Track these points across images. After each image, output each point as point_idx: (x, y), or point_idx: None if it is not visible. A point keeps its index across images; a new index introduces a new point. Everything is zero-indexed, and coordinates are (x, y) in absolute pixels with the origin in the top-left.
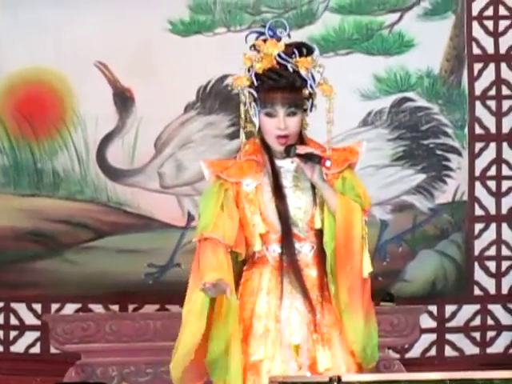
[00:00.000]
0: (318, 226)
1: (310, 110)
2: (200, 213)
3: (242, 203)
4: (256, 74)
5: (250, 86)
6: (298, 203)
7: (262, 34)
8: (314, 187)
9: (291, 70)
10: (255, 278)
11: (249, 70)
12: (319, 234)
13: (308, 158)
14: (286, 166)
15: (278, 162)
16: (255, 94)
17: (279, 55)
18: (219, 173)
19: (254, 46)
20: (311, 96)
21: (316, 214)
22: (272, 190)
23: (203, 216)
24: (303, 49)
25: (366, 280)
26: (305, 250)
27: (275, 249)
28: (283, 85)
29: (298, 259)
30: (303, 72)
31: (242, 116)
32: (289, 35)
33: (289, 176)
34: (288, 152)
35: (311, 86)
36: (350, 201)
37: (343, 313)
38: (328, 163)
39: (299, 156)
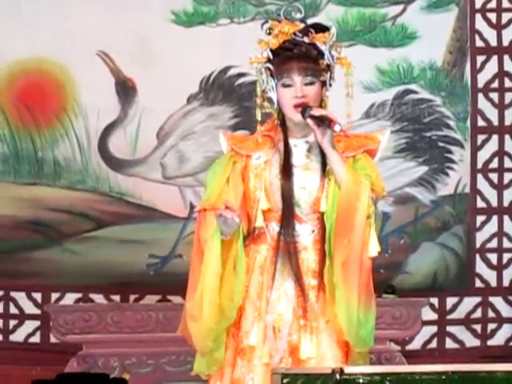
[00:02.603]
0: (322, 209)
1: (330, 85)
2: (206, 184)
3: (248, 177)
4: (271, 50)
5: (266, 63)
6: (304, 183)
7: (277, 21)
8: (324, 170)
9: (307, 41)
10: (252, 255)
11: None
12: (323, 218)
13: (321, 121)
14: (300, 145)
15: (292, 141)
16: (272, 68)
17: (295, 33)
18: (233, 145)
19: (269, 30)
20: (329, 69)
21: (322, 198)
22: (280, 167)
23: (208, 188)
24: (319, 28)
25: (367, 260)
26: (304, 233)
27: (274, 227)
28: (298, 54)
29: (295, 241)
30: (319, 44)
31: (259, 94)
32: (304, 18)
33: (300, 155)
34: (303, 113)
35: (328, 58)
36: (360, 175)
37: (336, 288)
38: (337, 127)
39: (313, 118)
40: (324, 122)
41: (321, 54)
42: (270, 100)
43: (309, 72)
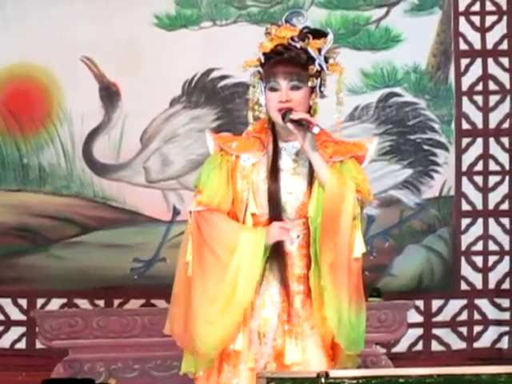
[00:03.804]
0: (309, 214)
1: (320, 91)
2: (202, 182)
3: (236, 177)
4: (264, 54)
5: (257, 66)
6: (291, 188)
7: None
8: (312, 175)
9: (299, 47)
10: None
11: None
12: (308, 223)
13: (301, 124)
14: (288, 148)
15: (281, 144)
16: (262, 72)
17: (292, 38)
18: (222, 144)
19: (267, 33)
20: (320, 75)
21: (309, 203)
22: (268, 170)
23: (207, 187)
24: (317, 34)
25: (355, 262)
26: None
27: None
28: (286, 58)
29: (281, 245)
30: (311, 50)
31: (251, 97)
32: (308, 27)
33: (288, 159)
34: (284, 117)
35: (320, 65)
36: (344, 176)
37: (325, 291)
38: (316, 129)
39: (293, 122)
40: (303, 126)
41: (311, 60)
42: (260, 103)
43: (294, 77)
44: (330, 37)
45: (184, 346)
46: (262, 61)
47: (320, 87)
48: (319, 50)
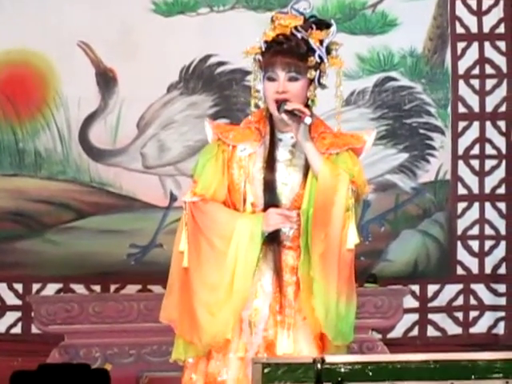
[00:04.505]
0: (302, 205)
1: (319, 83)
2: (198, 173)
3: (232, 168)
4: (266, 42)
5: (258, 54)
6: (287, 179)
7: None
8: (308, 167)
9: (300, 37)
10: None
11: None
12: None
13: (294, 115)
14: (285, 139)
15: (278, 135)
16: (261, 60)
17: (295, 27)
18: (220, 134)
19: (272, 21)
20: (320, 67)
21: (304, 194)
22: (264, 161)
23: (203, 177)
24: (321, 24)
25: (348, 253)
26: (284, 229)
27: None
28: (286, 48)
29: (276, 236)
30: (312, 41)
31: (252, 85)
32: (314, 16)
33: (285, 150)
34: (279, 108)
35: (320, 57)
36: (338, 167)
37: (314, 282)
38: (307, 120)
39: (288, 112)
40: (297, 116)
41: (312, 51)
42: (259, 91)
43: (292, 68)
44: (334, 29)
45: (181, 335)
46: (263, 49)
47: (319, 79)
48: (321, 42)
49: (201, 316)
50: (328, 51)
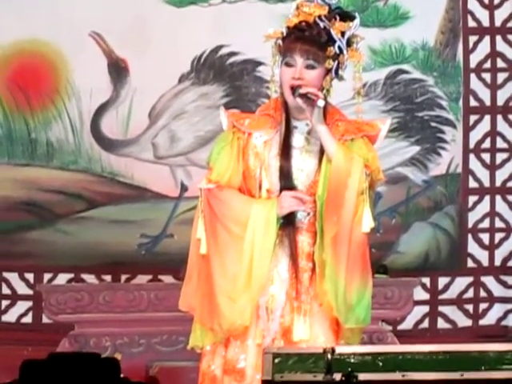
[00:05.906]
0: (319, 191)
1: (336, 74)
2: (213, 160)
3: (248, 154)
4: (288, 27)
5: (279, 39)
6: (302, 165)
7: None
8: (323, 153)
9: (322, 26)
10: None
11: None
12: None
13: (309, 98)
14: (301, 126)
15: (294, 122)
16: (281, 45)
17: (319, 16)
18: (235, 122)
19: (297, 8)
20: (338, 59)
21: (319, 180)
22: (279, 148)
23: (218, 164)
24: (346, 16)
25: (359, 237)
26: (300, 215)
27: None
28: (307, 36)
29: (292, 222)
30: (333, 32)
31: (271, 69)
32: (339, 8)
33: (300, 137)
34: (294, 93)
35: (340, 48)
36: (352, 152)
37: (326, 265)
38: (320, 102)
39: (302, 96)
40: (310, 100)
41: (332, 41)
42: (275, 79)
43: (311, 56)
44: (357, 21)
45: (201, 322)
46: (284, 34)
47: (337, 70)
48: (342, 33)
49: (221, 302)
50: (349, 43)
